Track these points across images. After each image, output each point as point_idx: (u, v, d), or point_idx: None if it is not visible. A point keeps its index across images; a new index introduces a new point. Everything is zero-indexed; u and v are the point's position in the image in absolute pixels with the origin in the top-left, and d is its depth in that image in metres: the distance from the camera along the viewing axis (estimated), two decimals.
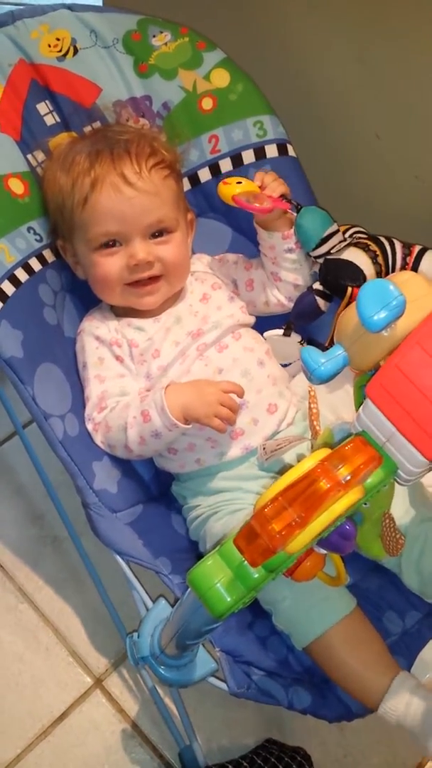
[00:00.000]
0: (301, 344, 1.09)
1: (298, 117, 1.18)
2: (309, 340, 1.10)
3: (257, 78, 1.15)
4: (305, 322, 1.08)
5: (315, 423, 0.82)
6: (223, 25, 1.20)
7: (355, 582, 0.99)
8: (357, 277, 1.00)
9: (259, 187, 1.02)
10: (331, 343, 0.75)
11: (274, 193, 1.02)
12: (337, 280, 1.01)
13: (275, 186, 1.03)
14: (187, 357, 1.01)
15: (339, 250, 1.01)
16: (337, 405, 1.00)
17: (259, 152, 1.13)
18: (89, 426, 1.00)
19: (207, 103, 1.13)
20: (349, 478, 0.56)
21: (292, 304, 1.08)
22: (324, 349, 0.69)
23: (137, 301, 1.03)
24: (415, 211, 1.27)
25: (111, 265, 0.99)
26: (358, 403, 0.77)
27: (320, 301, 1.04)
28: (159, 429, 0.93)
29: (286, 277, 1.06)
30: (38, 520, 1.28)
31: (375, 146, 1.27)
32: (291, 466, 0.59)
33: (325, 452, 0.58)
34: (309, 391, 0.82)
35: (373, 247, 1.02)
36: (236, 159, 1.14)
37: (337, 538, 0.65)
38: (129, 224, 0.98)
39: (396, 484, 0.70)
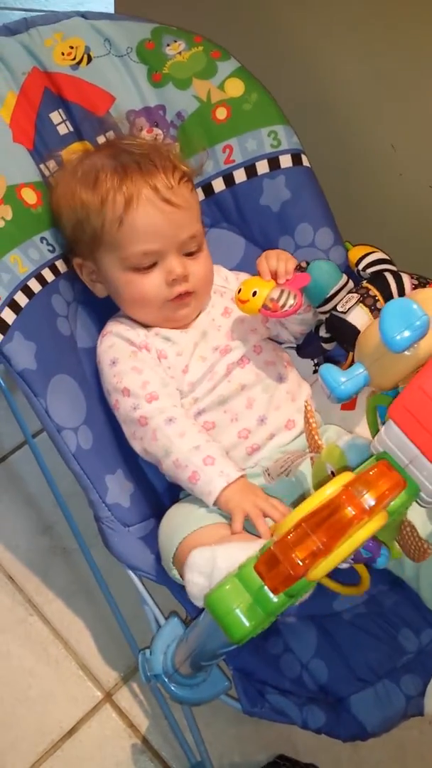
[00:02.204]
0: (315, 367, 1.12)
1: (314, 128, 1.17)
2: (326, 358, 1.10)
3: (272, 88, 1.13)
4: (313, 358, 1.11)
5: (316, 436, 0.80)
6: (240, 35, 1.19)
7: (372, 596, 0.98)
8: None
9: (273, 277, 0.98)
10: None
11: (288, 275, 0.97)
12: (340, 342, 1.03)
13: (284, 268, 0.98)
14: (215, 374, 0.99)
15: (345, 311, 0.98)
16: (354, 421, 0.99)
17: (274, 162, 1.12)
18: (136, 414, 0.94)
19: (221, 113, 1.12)
20: (373, 504, 0.54)
21: (300, 341, 1.10)
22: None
23: (174, 315, 1.00)
24: (431, 221, 1.26)
25: (150, 283, 0.97)
26: (372, 423, 0.76)
27: (326, 345, 1.06)
28: (194, 491, 0.91)
29: (293, 329, 1.07)
30: (48, 530, 1.27)
31: (390, 157, 1.26)
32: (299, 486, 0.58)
33: (347, 477, 0.57)
34: (305, 406, 0.81)
35: (382, 304, 0.98)
36: (250, 169, 1.13)
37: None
38: (167, 240, 0.96)
39: None
